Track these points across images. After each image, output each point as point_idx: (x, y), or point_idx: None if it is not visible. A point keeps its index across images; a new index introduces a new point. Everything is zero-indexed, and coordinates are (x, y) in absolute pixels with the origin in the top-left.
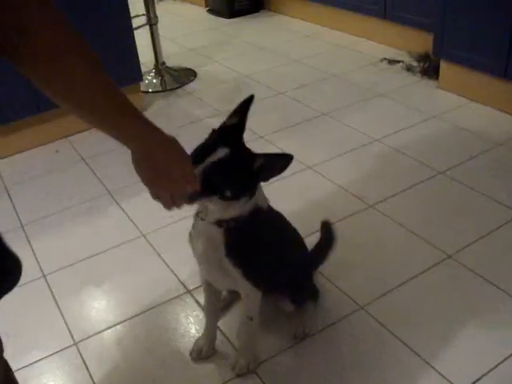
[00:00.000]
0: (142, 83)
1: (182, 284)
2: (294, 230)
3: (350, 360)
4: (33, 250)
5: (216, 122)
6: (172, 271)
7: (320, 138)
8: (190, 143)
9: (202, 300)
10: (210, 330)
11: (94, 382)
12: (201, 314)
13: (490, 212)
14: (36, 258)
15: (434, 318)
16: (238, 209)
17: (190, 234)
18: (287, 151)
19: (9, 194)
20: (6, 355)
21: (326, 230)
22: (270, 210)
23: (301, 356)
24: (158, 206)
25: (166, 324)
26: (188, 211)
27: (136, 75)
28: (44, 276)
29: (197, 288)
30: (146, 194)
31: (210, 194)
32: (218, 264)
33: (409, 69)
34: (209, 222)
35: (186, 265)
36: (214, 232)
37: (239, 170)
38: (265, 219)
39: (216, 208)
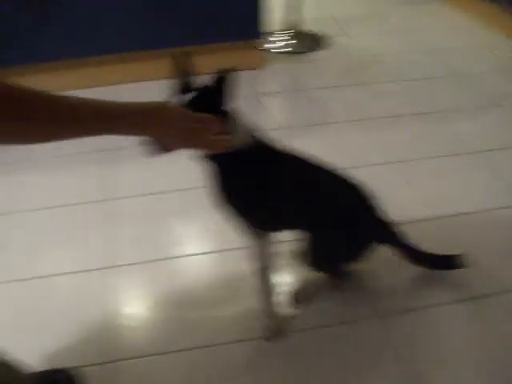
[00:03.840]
0: (270, 42)
1: None
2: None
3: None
4: None
5: (324, 96)
6: None
7: (419, 135)
8: (289, 109)
9: None
10: None
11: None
12: None
13: None
14: None
15: None
16: None
17: None
18: (387, 140)
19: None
20: None
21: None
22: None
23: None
24: None
25: None
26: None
27: (254, 32)
28: None
29: None
30: None
31: None
32: None
33: None
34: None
35: None
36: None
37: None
38: (241, 160)
39: None
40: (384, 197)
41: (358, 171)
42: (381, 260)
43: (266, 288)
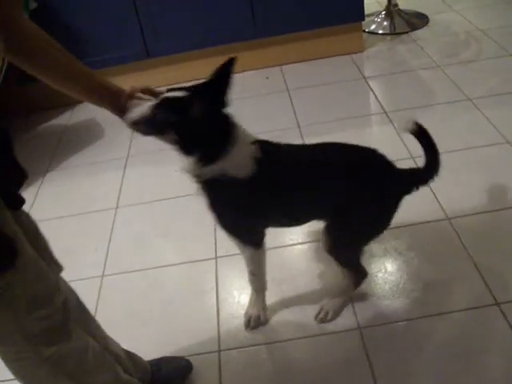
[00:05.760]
0: (370, 24)
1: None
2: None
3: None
4: None
5: (427, 76)
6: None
7: None
8: (392, 92)
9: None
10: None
11: None
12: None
13: None
14: None
15: None
16: (197, 169)
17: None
18: (492, 121)
19: None
20: None
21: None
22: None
23: None
24: None
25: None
26: None
27: (358, 15)
28: None
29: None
30: None
31: (157, 131)
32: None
33: None
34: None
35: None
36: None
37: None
38: (235, 188)
39: (184, 162)
40: (497, 180)
41: (465, 154)
42: None
43: (261, 286)
